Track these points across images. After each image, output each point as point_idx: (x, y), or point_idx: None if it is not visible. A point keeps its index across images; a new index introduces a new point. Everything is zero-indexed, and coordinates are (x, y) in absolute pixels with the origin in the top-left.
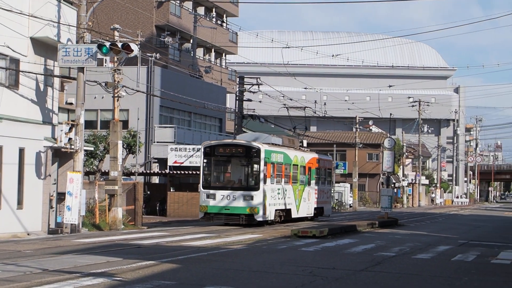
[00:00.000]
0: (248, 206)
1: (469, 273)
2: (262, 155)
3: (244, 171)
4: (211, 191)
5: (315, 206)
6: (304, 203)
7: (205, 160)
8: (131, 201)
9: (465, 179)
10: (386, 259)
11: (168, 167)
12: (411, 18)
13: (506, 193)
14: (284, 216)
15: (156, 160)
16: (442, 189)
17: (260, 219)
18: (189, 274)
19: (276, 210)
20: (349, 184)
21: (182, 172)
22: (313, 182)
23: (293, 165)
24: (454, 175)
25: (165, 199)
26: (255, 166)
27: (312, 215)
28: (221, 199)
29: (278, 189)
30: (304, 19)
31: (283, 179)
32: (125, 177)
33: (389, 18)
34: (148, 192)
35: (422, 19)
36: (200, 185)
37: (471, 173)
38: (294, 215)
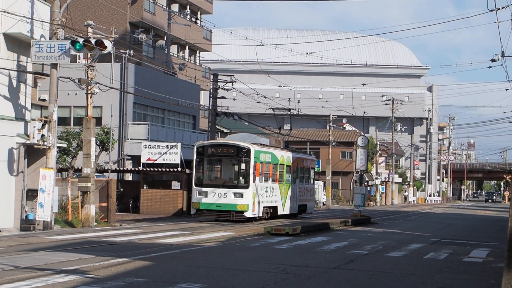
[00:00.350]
0: (238, 203)
1: (441, 271)
2: (252, 155)
3: (235, 170)
4: (203, 189)
5: (299, 203)
6: (289, 201)
7: (197, 159)
8: (104, 198)
9: (438, 177)
10: (359, 257)
11: (141, 164)
12: (386, 17)
13: (479, 191)
14: (271, 213)
15: (129, 157)
16: (415, 187)
17: (249, 215)
18: (162, 271)
19: (264, 207)
20: (323, 182)
21: (156, 169)
22: (297, 180)
23: (280, 164)
24: (427, 174)
25: (138, 196)
26: (245, 165)
27: (297, 212)
28: (213, 196)
29: (266, 187)
30: (278, 17)
31: (270, 178)
32: (98, 174)
33: (364, 17)
34: (121, 189)
35: (397, 18)
36: (193, 183)
37: (444, 171)
38: (280, 212)
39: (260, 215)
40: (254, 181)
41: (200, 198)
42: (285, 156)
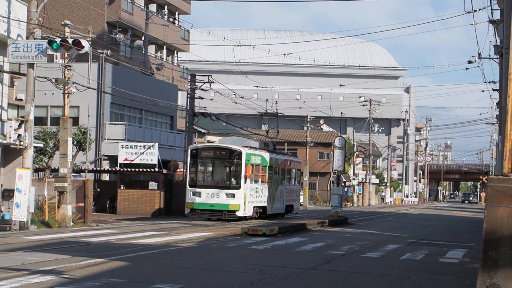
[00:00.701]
0: (230, 203)
1: (417, 271)
2: (243, 157)
3: (227, 171)
4: (197, 189)
5: (286, 203)
6: (277, 201)
7: (191, 161)
8: (81, 199)
9: (415, 178)
10: (336, 258)
11: (118, 164)
12: (364, 18)
13: (456, 192)
14: (260, 212)
15: (106, 157)
16: (392, 188)
17: (240, 214)
18: (138, 272)
19: (254, 207)
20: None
21: (133, 169)
22: (284, 182)
23: (269, 166)
24: (404, 175)
25: (115, 196)
26: (237, 167)
27: (284, 211)
28: (206, 196)
29: (256, 188)
30: (256, 17)
31: (260, 179)
32: (75, 174)
33: (342, 18)
34: (98, 190)
35: (374, 19)
36: (187, 184)
37: (421, 172)
38: (269, 211)
39: (251, 214)
40: (245, 182)
41: (194, 198)
42: (273, 159)
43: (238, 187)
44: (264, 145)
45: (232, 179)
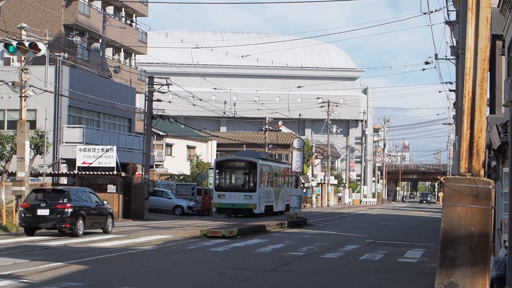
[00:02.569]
0: (248, 203)
1: (376, 272)
2: (258, 167)
3: (246, 178)
4: (222, 192)
5: (286, 203)
6: (280, 201)
7: (217, 171)
8: None
9: (373, 179)
10: (295, 259)
11: (76, 167)
12: (322, 20)
13: (414, 192)
14: (269, 210)
15: (64, 161)
16: (350, 189)
17: (256, 212)
18: (98, 275)
19: (265, 205)
20: None
21: (91, 172)
22: (285, 185)
23: (274, 173)
24: (363, 175)
25: None
26: (253, 175)
27: (284, 209)
28: (229, 198)
29: (267, 191)
30: (214, 19)
31: (269, 184)
32: (32, 178)
33: (300, 20)
34: None
35: (333, 21)
36: (214, 188)
37: (379, 173)
38: (275, 209)
39: (263, 211)
40: (259, 186)
41: (220, 200)
42: (277, 167)
43: (254, 190)
44: (270, 156)
45: (250, 184)
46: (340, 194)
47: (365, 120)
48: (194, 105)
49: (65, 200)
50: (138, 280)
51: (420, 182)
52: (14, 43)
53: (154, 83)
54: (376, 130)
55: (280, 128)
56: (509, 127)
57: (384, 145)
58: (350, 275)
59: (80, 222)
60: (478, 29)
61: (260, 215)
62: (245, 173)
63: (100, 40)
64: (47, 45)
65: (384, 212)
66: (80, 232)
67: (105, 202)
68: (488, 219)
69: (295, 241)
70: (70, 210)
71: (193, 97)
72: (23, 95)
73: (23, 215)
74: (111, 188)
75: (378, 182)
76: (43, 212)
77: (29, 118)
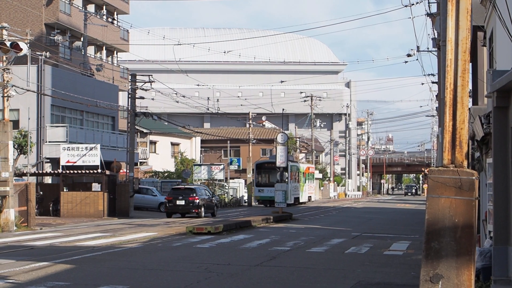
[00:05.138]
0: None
1: (362, 265)
2: (289, 167)
3: (279, 176)
4: (261, 188)
5: (308, 195)
6: (304, 193)
7: (257, 171)
8: (23, 202)
9: (358, 172)
10: (281, 254)
11: (60, 166)
12: (304, 15)
13: (399, 185)
14: (295, 200)
15: (48, 160)
16: (335, 182)
17: (289, 202)
18: (84, 274)
19: (294, 197)
20: (244, 180)
21: (75, 171)
22: (307, 181)
23: (299, 171)
24: (347, 169)
25: (58, 199)
26: (285, 173)
27: (307, 200)
28: (267, 192)
29: (294, 186)
30: (196, 16)
31: (295, 180)
32: (16, 177)
33: (282, 14)
34: (41, 193)
35: (315, 15)
36: (254, 184)
37: (364, 166)
38: (301, 200)
39: (292, 202)
40: (289, 182)
41: (260, 194)
42: (301, 167)
43: (287, 186)
44: (295, 158)
45: (283, 181)
46: (321, 188)
47: (349, 114)
48: (177, 102)
49: (194, 195)
50: (124, 278)
51: (405, 175)
52: None
53: (137, 80)
54: (360, 124)
55: (264, 123)
56: (491, 118)
57: (368, 138)
58: (336, 268)
59: (202, 209)
60: (459, 20)
61: (290, 204)
62: (279, 172)
63: (82, 39)
64: (28, 45)
65: (369, 205)
66: (203, 215)
67: (215, 196)
68: (472, 210)
69: (280, 236)
70: (197, 201)
71: (176, 94)
72: (5, 95)
73: (167, 204)
74: (95, 186)
75: (362, 175)
76: (180, 202)
77: (12, 118)
